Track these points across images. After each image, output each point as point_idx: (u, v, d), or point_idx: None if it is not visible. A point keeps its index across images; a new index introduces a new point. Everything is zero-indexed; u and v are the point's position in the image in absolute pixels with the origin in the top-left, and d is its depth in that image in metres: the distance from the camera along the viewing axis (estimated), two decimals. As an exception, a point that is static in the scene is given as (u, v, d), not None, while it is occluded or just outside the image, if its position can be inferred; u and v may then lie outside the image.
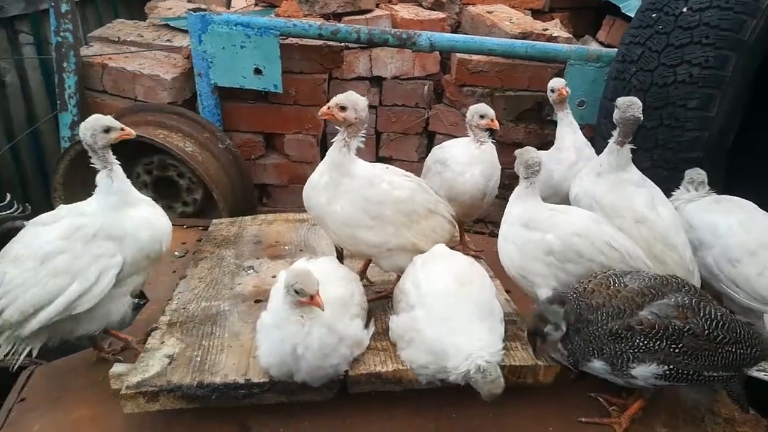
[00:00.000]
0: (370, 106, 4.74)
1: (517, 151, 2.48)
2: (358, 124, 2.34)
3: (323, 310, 1.96)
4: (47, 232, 2.20)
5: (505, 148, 4.57)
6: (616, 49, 3.72)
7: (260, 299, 2.66)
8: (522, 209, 2.42)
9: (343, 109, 2.31)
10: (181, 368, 2.16)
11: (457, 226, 2.72)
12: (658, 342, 2.01)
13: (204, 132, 4.15)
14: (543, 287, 2.35)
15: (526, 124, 4.66)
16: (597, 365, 2.10)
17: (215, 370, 2.16)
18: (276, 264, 3.00)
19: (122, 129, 2.27)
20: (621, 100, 2.61)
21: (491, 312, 2.23)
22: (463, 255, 2.56)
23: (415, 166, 4.92)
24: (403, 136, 4.86)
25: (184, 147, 3.98)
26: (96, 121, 2.22)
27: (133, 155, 4.26)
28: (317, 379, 2.06)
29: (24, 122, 4.93)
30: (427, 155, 4.73)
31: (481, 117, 2.91)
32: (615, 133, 2.65)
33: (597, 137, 3.50)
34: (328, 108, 2.33)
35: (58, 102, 4.25)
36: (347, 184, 2.35)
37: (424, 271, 2.33)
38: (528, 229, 2.38)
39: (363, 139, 2.40)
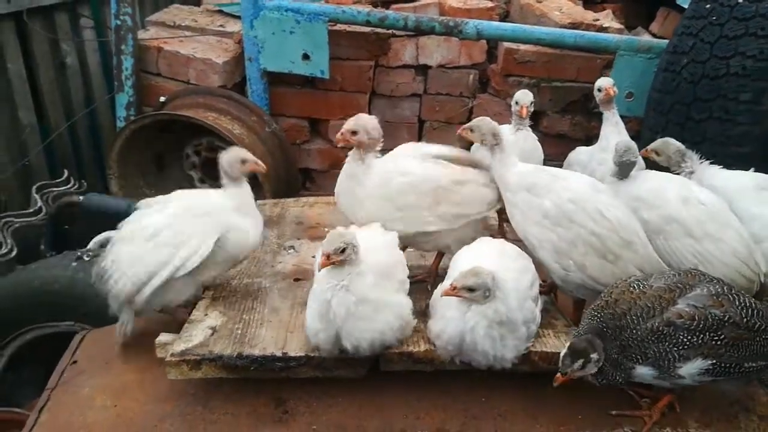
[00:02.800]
0: (415, 95, 4.80)
1: (474, 124, 2.54)
2: (371, 144, 2.48)
3: (318, 271, 2.06)
4: (158, 211, 2.45)
5: (550, 140, 4.55)
6: (667, 41, 3.64)
7: (299, 278, 2.75)
8: (519, 175, 2.46)
9: (354, 133, 2.45)
10: (223, 339, 2.26)
11: (496, 190, 2.64)
12: (701, 335, 1.96)
13: (252, 116, 4.26)
14: (540, 250, 2.40)
15: (572, 116, 4.62)
16: (643, 371, 2.04)
17: (255, 342, 2.25)
18: (316, 245, 3.06)
19: (256, 163, 2.54)
20: (619, 144, 2.63)
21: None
22: (496, 240, 2.56)
23: (457, 155, 4.92)
24: (446, 125, 4.87)
25: (232, 129, 4.09)
26: (236, 153, 2.51)
27: (184, 136, 4.42)
28: (365, 347, 2.08)
29: (82, 102, 5.15)
30: (470, 144, 4.75)
31: (516, 103, 2.90)
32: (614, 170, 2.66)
33: (644, 130, 3.45)
34: (342, 136, 2.47)
35: (116, 83, 4.43)
36: (362, 191, 2.50)
37: (461, 253, 2.39)
38: (531, 193, 2.42)
39: (378, 153, 2.54)
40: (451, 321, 2.08)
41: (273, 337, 2.29)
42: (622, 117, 3.22)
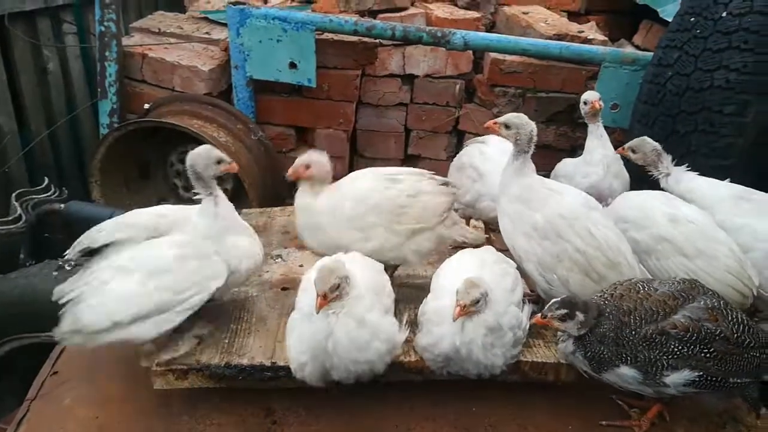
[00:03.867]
0: (402, 104, 4.80)
1: (512, 120, 2.43)
2: (322, 178, 2.48)
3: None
4: (158, 245, 2.21)
5: (535, 151, 4.57)
6: (651, 53, 3.69)
7: (287, 287, 2.72)
8: (521, 188, 2.42)
9: (308, 167, 2.45)
10: (210, 349, 2.22)
11: (454, 192, 2.66)
12: (691, 346, 1.98)
13: (237, 123, 4.23)
14: (526, 261, 2.40)
15: (557, 126, 4.64)
16: (627, 373, 2.04)
17: (242, 352, 2.21)
18: (303, 254, 3.05)
19: (230, 162, 2.33)
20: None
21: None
22: (474, 250, 2.54)
23: (443, 165, 4.90)
24: (432, 135, 4.87)
25: (218, 137, 4.05)
26: (210, 151, 2.27)
27: (168, 144, 4.38)
28: (354, 377, 2.03)
29: (64, 109, 5.08)
30: (455, 154, 4.74)
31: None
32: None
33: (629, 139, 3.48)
34: (295, 170, 2.47)
35: (99, 90, 4.37)
36: (316, 221, 2.49)
37: (442, 268, 2.40)
38: (524, 206, 2.41)
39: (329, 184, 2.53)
40: (445, 336, 2.05)
41: (261, 347, 2.26)
42: (606, 128, 3.26)
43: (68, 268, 3.23)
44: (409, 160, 5.02)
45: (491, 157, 3.02)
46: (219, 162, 2.26)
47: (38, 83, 4.80)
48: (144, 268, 2.10)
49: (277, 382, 2.17)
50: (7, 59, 4.47)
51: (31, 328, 3.14)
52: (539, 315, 2.11)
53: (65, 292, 2.12)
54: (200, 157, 2.23)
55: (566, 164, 3.36)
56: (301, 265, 2.95)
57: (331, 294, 1.91)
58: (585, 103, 3.17)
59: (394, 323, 2.16)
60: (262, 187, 4.25)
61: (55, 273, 3.18)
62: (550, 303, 2.08)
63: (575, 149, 4.72)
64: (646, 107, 3.43)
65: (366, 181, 2.57)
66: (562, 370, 2.28)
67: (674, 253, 2.49)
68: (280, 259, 3.01)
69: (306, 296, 2.11)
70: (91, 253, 2.24)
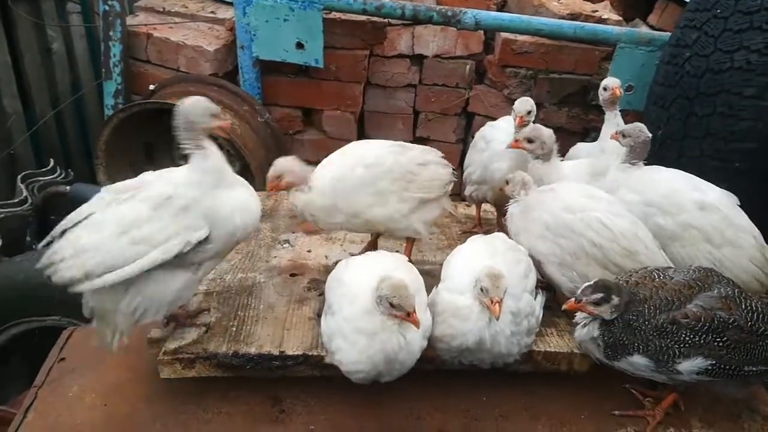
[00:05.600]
0: (410, 85, 4.72)
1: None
2: (299, 180, 2.41)
3: (418, 329, 1.91)
4: (131, 199, 2.00)
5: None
6: (668, 33, 3.59)
7: (295, 273, 2.68)
8: (519, 204, 2.50)
9: (279, 178, 2.39)
10: (217, 337, 2.19)
11: (450, 169, 2.66)
12: (704, 335, 1.95)
13: (244, 105, 4.17)
14: (547, 264, 2.36)
15: (570, 108, 4.55)
16: (639, 361, 2.02)
17: (250, 340, 2.18)
18: (311, 239, 3.01)
19: (224, 119, 2.15)
20: (631, 128, 2.60)
21: None
22: (485, 237, 2.50)
23: (452, 147, 4.87)
24: (441, 116, 4.79)
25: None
26: (206, 103, 2.07)
27: (172, 126, 4.31)
28: (397, 376, 2.03)
29: (68, 90, 5.02)
30: (465, 136, 4.67)
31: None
32: (627, 154, 2.60)
33: (645, 124, 3.38)
34: (270, 184, 2.41)
35: (103, 70, 4.31)
36: (325, 205, 2.42)
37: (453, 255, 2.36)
38: (528, 212, 2.44)
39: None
40: (471, 331, 2.00)
41: (269, 335, 2.22)
42: (621, 111, 3.17)
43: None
44: (417, 143, 4.93)
45: (500, 127, 3.06)
46: (214, 116, 2.08)
47: (42, 64, 4.74)
48: (117, 222, 1.94)
49: (286, 371, 2.14)
50: (11, 39, 4.41)
51: (37, 311, 3.12)
52: (572, 300, 2.05)
53: (48, 255, 1.95)
54: (196, 107, 2.04)
55: (580, 149, 3.28)
56: (309, 251, 2.91)
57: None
58: (605, 89, 3.06)
59: (429, 317, 2.07)
60: (268, 170, 4.19)
61: (61, 257, 3.14)
62: (584, 287, 2.03)
63: (588, 132, 4.63)
64: (662, 89, 3.33)
65: (375, 147, 2.55)
66: (575, 359, 2.24)
67: (701, 241, 2.43)
68: (287, 245, 2.96)
69: (356, 307, 1.96)
70: None
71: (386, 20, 4.29)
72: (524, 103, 2.89)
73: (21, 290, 3.09)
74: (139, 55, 4.44)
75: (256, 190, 3.78)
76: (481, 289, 1.95)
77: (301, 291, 2.55)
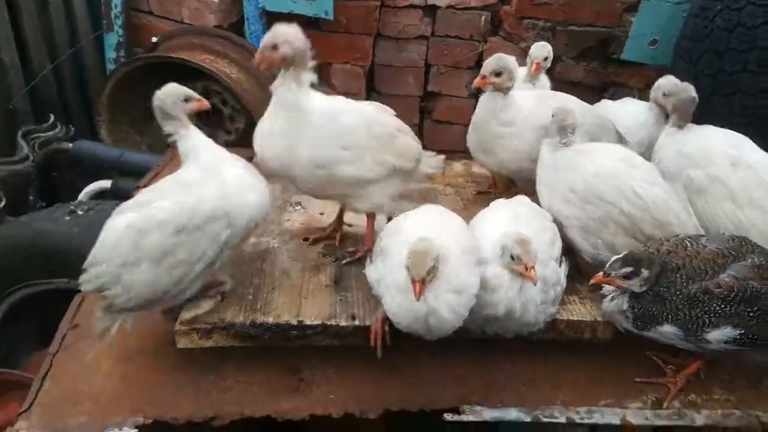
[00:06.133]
0: (422, 37, 4.54)
1: (555, 109, 2.38)
2: (299, 57, 2.04)
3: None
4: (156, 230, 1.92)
5: (563, 87, 4.30)
6: (698, -16, 3.41)
7: (308, 237, 2.60)
8: (551, 155, 2.37)
9: (275, 48, 2.02)
10: (233, 306, 2.13)
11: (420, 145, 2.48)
12: (735, 305, 1.91)
13: (250, 58, 3.99)
14: (569, 228, 2.28)
15: (588, 62, 4.38)
16: (668, 330, 1.98)
17: (267, 309, 2.12)
18: (323, 201, 2.92)
19: (199, 100, 2.11)
20: (672, 87, 2.52)
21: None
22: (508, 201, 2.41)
23: (464, 102, 4.72)
24: (453, 70, 4.62)
25: (230, 73, 3.86)
26: (176, 89, 2.05)
27: (177, 79, 4.15)
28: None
29: (66, 41, 4.81)
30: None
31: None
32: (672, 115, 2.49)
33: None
34: (262, 55, 2.04)
35: (104, 22, 4.13)
36: (306, 122, 2.08)
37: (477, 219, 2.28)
38: (556, 170, 2.33)
39: (313, 72, 2.10)
40: (502, 301, 1.93)
41: (286, 303, 2.17)
42: (645, 65, 3.02)
43: (80, 212, 3.14)
44: (428, 98, 4.80)
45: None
46: (187, 100, 2.05)
47: (39, 15, 4.53)
48: (149, 257, 1.91)
49: (304, 340, 2.09)
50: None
51: (44, 274, 3.06)
52: (600, 273, 2.00)
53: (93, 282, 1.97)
54: (167, 95, 2.03)
55: (606, 106, 3.14)
56: (321, 213, 2.82)
57: (428, 277, 1.75)
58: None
59: (477, 274, 1.94)
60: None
61: (67, 218, 3.07)
62: (613, 260, 1.98)
63: (605, 87, 4.49)
64: (690, 43, 3.18)
65: (362, 102, 2.36)
66: (599, 328, 2.20)
67: (724, 198, 2.34)
68: (299, 207, 2.88)
69: (396, 257, 1.88)
70: (102, 195, 2.12)
71: (400, -33, 4.08)
72: (541, 49, 2.77)
73: (28, 251, 3.02)
74: (141, 6, 4.25)
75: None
76: (512, 257, 1.88)
77: (315, 257, 2.48)
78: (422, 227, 1.96)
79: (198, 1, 4.03)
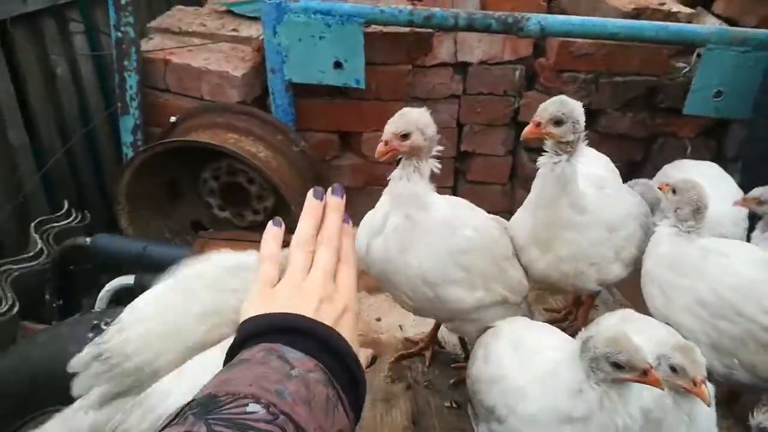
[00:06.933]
0: (453, 96, 4.26)
1: (678, 184, 1.91)
2: (428, 147, 1.73)
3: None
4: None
5: (609, 140, 4.07)
6: (766, 30, 3.13)
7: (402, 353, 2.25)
8: (670, 247, 1.91)
9: (405, 137, 1.69)
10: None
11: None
12: None
13: (277, 134, 3.73)
14: (695, 342, 1.86)
15: (634, 113, 4.10)
16: None
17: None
18: (378, 301, 2.58)
19: None
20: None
21: None
22: None
23: (501, 160, 4.44)
24: (488, 128, 4.34)
25: (257, 153, 3.57)
26: None
27: (200, 159, 3.88)
28: None
29: (77, 118, 4.56)
30: (514, 148, 4.24)
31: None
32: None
33: (752, 139, 2.95)
34: (386, 144, 1.70)
35: (119, 104, 3.86)
36: (425, 225, 1.75)
37: None
38: (673, 271, 1.88)
39: (437, 161, 1.78)
40: None
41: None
42: (706, 117, 2.68)
43: (104, 327, 2.80)
44: (462, 158, 4.51)
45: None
46: None
47: (47, 90, 4.28)
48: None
49: None
50: (12, 66, 3.95)
51: (62, 401, 2.69)
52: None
53: None
54: None
55: (684, 168, 2.76)
56: (378, 319, 2.48)
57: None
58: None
59: None
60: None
61: (90, 335, 2.72)
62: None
63: (655, 138, 4.19)
64: (770, 99, 2.88)
65: (478, 213, 1.97)
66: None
67: None
68: (353, 311, 2.53)
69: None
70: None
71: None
72: (549, 105, 2.15)
73: (45, 377, 2.64)
74: (157, 84, 3.98)
75: (293, 224, 3.41)
76: (672, 368, 1.48)
77: (383, 385, 2.12)
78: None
79: (219, 77, 3.75)
